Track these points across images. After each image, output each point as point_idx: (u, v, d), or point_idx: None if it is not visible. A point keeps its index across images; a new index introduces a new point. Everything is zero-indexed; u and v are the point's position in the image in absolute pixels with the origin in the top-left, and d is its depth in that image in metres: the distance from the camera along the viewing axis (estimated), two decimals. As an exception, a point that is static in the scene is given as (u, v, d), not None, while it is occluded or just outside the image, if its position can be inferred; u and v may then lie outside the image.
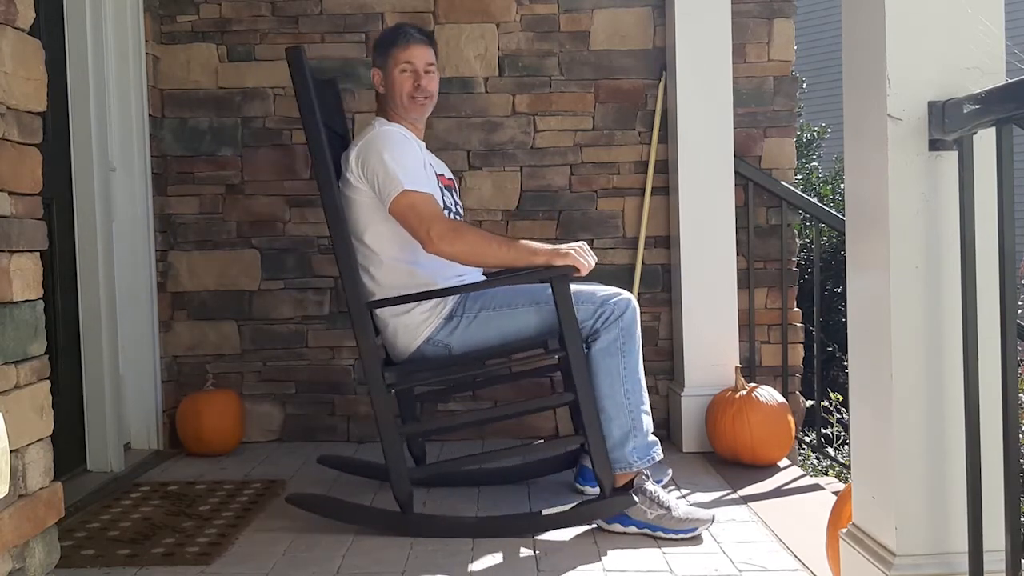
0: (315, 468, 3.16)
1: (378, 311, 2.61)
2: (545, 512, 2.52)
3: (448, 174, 2.89)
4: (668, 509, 2.45)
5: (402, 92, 2.69)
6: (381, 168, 2.54)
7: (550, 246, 2.51)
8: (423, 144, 2.79)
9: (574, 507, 2.53)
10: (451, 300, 2.61)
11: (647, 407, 2.56)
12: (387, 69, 2.71)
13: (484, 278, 2.71)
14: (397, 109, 2.72)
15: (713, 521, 2.49)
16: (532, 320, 2.58)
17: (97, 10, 3.16)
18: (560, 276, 2.44)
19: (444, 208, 2.65)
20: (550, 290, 2.46)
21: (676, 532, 2.44)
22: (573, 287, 2.49)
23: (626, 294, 2.58)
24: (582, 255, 2.48)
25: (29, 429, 1.84)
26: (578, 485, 2.85)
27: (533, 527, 2.52)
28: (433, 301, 2.60)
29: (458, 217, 2.79)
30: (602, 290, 2.58)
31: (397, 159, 2.55)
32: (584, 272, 2.47)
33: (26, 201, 1.88)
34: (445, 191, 2.75)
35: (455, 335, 2.60)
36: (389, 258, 2.61)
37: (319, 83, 2.71)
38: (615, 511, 2.48)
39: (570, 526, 2.52)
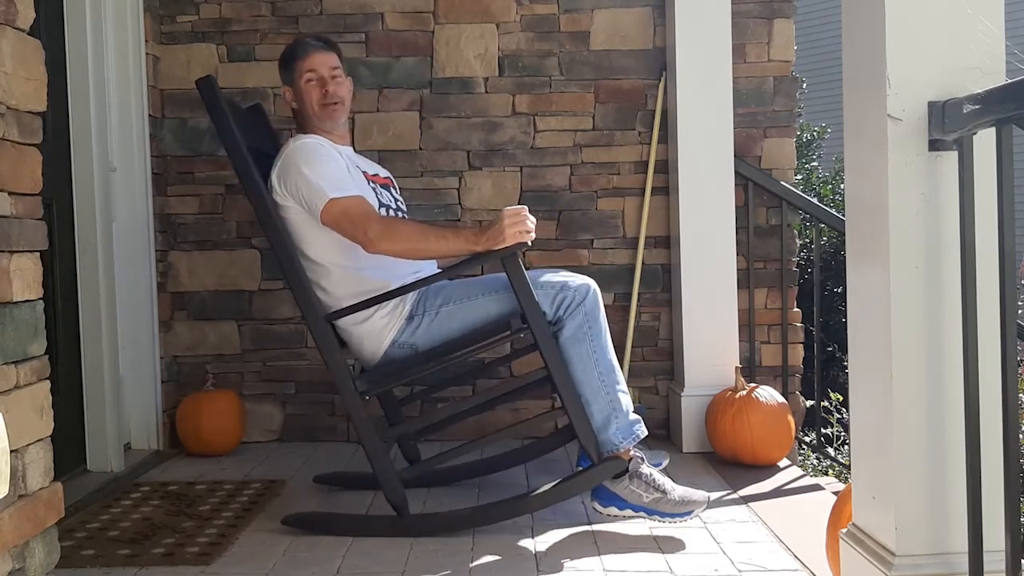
0: (315, 469, 3.16)
1: (339, 322, 2.60)
2: (535, 492, 2.54)
3: (384, 173, 2.90)
4: (664, 492, 2.46)
5: (311, 102, 2.69)
6: (303, 182, 2.53)
7: (489, 230, 2.44)
8: (348, 149, 2.79)
9: (561, 481, 2.54)
10: (410, 300, 2.60)
11: (623, 386, 2.56)
12: (294, 83, 2.72)
13: (438, 270, 2.69)
14: (311, 120, 2.71)
15: (708, 502, 2.50)
16: (493, 308, 2.57)
17: (97, 10, 3.16)
18: (509, 256, 2.43)
19: (381, 206, 2.66)
20: (505, 276, 2.46)
21: (672, 516, 2.46)
22: (533, 275, 2.49)
23: (585, 279, 2.58)
24: (517, 225, 2.41)
25: (29, 429, 1.84)
26: (579, 469, 2.85)
27: (525, 507, 2.54)
28: (392, 304, 2.58)
29: (400, 214, 2.78)
30: (560, 277, 2.57)
31: (316, 170, 2.54)
32: (528, 239, 2.44)
33: (26, 201, 1.88)
34: (381, 189, 2.75)
35: (419, 334, 2.59)
36: (336, 267, 2.60)
37: (239, 110, 2.76)
38: (604, 477, 2.48)
39: (562, 499, 2.53)
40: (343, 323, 2.61)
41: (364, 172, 2.75)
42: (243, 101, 3.64)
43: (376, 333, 2.60)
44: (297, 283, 2.56)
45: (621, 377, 2.57)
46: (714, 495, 2.86)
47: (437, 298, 2.60)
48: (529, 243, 2.47)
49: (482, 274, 3.06)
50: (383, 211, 2.68)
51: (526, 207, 2.49)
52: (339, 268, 2.60)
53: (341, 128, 2.78)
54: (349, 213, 2.51)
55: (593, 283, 2.58)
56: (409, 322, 2.60)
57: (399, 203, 2.83)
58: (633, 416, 2.55)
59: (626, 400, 2.55)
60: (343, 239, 2.54)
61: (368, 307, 2.55)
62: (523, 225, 2.44)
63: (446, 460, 2.68)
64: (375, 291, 2.56)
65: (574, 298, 2.51)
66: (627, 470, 2.48)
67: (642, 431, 2.55)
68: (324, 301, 2.60)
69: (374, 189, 2.71)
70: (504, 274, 2.47)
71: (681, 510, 2.45)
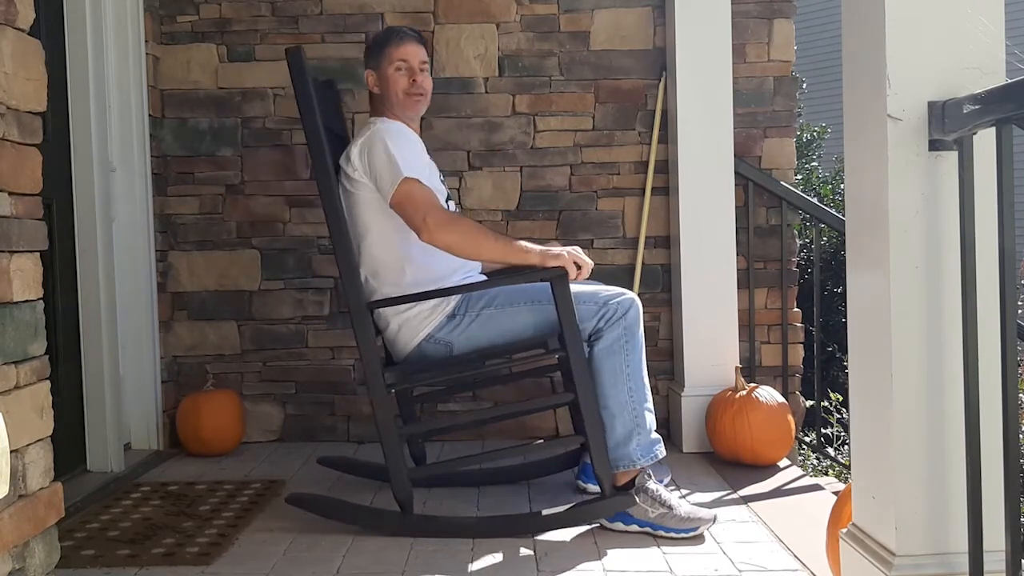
0: (315, 468, 3.16)
1: (379, 310, 2.61)
2: (545, 512, 2.52)
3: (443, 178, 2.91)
4: (670, 508, 2.46)
5: (398, 89, 2.70)
6: (385, 158, 2.54)
7: (543, 248, 2.50)
8: (423, 144, 2.80)
9: (573, 507, 2.54)
10: (454, 299, 2.61)
11: (650, 405, 2.56)
12: (381, 68, 2.72)
13: (485, 278, 2.71)
14: (393, 108, 2.72)
15: (715, 521, 2.49)
16: (534, 319, 2.58)
17: (97, 10, 3.16)
18: (558, 277, 2.44)
19: (447, 199, 2.69)
20: (551, 289, 2.46)
21: (677, 531, 2.45)
22: (575, 287, 2.49)
23: (629, 293, 2.59)
24: (575, 258, 2.47)
25: (29, 429, 1.84)
26: (580, 482, 2.85)
27: (533, 527, 2.52)
28: (435, 299, 2.60)
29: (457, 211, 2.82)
30: (605, 290, 2.58)
31: (400, 150, 2.56)
32: (577, 277, 2.47)
33: (26, 201, 1.88)
34: (443, 188, 2.77)
35: (456, 333, 2.60)
36: (391, 258, 2.61)
37: (319, 84, 2.71)
38: (615, 511, 2.48)
39: (570, 526, 2.52)
40: (383, 310, 2.61)
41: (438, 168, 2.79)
42: (243, 102, 3.66)
43: (414, 325, 2.61)
44: (347, 265, 2.54)
45: (650, 396, 2.57)
46: (714, 495, 2.86)
47: (480, 300, 2.61)
48: (577, 279, 2.47)
49: None
50: (449, 204, 2.71)
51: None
52: (393, 259, 2.61)
53: (417, 121, 2.81)
54: (414, 197, 2.51)
55: (637, 298, 2.59)
56: (450, 319, 2.60)
57: (451, 202, 2.85)
58: (655, 436, 2.55)
59: (651, 419, 2.55)
60: (404, 231, 2.55)
61: (412, 301, 2.56)
62: (580, 260, 2.48)
63: (457, 466, 2.69)
64: (423, 285, 2.58)
65: (616, 310, 2.52)
66: (634, 485, 2.48)
67: (661, 452, 2.56)
68: (370, 286, 2.62)
69: (442, 180, 2.75)
70: (547, 284, 2.47)
71: (686, 526, 2.45)
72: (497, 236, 2.60)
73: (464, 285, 2.60)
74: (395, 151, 2.54)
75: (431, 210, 2.50)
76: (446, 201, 2.69)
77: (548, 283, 2.47)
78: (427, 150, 2.79)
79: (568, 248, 2.51)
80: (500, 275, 2.67)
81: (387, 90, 2.71)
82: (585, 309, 2.51)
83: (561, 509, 2.52)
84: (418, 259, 2.60)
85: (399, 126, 2.67)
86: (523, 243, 2.53)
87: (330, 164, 2.55)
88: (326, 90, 2.91)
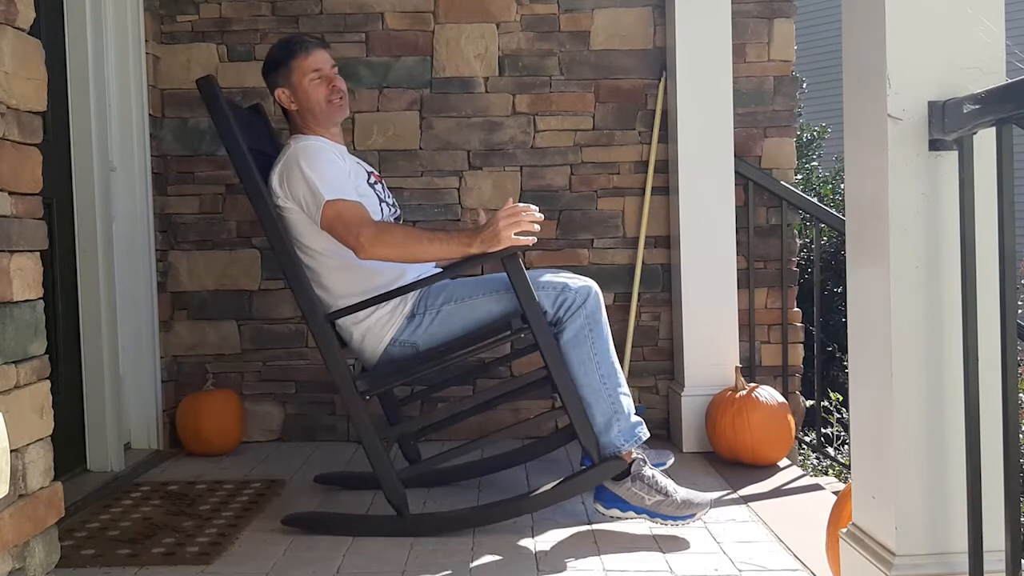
0: (315, 468, 3.17)
1: (339, 321, 2.60)
2: (535, 492, 2.54)
3: (374, 171, 2.88)
4: (666, 495, 2.46)
5: (319, 99, 2.67)
6: (303, 184, 2.53)
7: (483, 231, 2.45)
8: (344, 149, 2.78)
9: (561, 481, 2.54)
10: (411, 298, 2.60)
11: (624, 388, 2.56)
12: (293, 83, 2.68)
13: (439, 270, 2.68)
14: (316, 119, 2.70)
15: (711, 505, 2.49)
16: (494, 307, 2.57)
17: (97, 10, 3.16)
18: (509, 256, 2.43)
19: (381, 202, 2.67)
20: (506, 276, 2.46)
21: (674, 518, 2.45)
22: (533, 278, 2.48)
23: (587, 281, 2.58)
24: (513, 227, 2.40)
25: (29, 429, 1.84)
26: (581, 468, 2.85)
27: (525, 507, 2.54)
28: (393, 302, 2.59)
29: (394, 207, 2.79)
30: (562, 278, 2.57)
31: (317, 171, 2.53)
32: (527, 240, 2.43)
33: (26, 201, 1.88)
34: (380, 187, 2.76)
35: (419, 333, 2.59)
36: (337, 267, 2.60)
37: (240, 110, 2.74)
38: (605, 477, 2.48)
39: (564, 499, 2.53)
40: (343, 322, 2.61)
41: (364, 169, 2.75)
42: (243, 101, 3.65)
43: (376, 331, 2.60)
44: (297, 282, 2.56)
45: (623, 379, 2.57)
46: (714, 495, 2.85)
47: (438, 297, 2.60)
48: (529, 244, 2.47)
49: (482, 274, 3.05)
50: (384, 207, 2.69)
51: (531, 206, 2.48)
52: (339, 268, 2.59)
53: (339, 127, 2.79)
54: (343, 217, 2.50)
55: (595, 285, 2.58)
56: (410, 321, 2.60)
57: (392, 198, 2.84)
58: (635, 418, 2.55)
59: (628, 402, 2.55)
60: None
61: (368, 306, 2.55)
62: (520, 226, 2.43)
63: (447, 460, 2.68)
64: (376, 290, 2.56)
65: (575, 300, 2.51)
66: (629, 472, 2.48)
67: (644, 433, 2.55)
68: (324, 300, 2.60)
69: (372, 186, 2.72)
70: (506, 273, 2.47)
71: (683, 512, 2.45)
72: (433, 236, 2.53)
73: (417, 281, 2.58)
74: (311, 174, 2.52)
75: (361, 227, 2.48)
76: (379, 204, 2.66)
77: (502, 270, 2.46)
78: (349, 151, 2.79)
79: (502, 220, 2.42)
80: (454, 266, 2.61)
81: (307, 103, 2.68)
82: (544, 295, 2.50)
83: (550, 486, 2.52)
84: (367, 266, 2.57)
85: (314, 144, 2.62)
86: (461, 234, 2.50)
87: (263, 187, 2.56)
88: (252, 115, 2.93)
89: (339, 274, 2.60)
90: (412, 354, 2.61)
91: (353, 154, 2.89)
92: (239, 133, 2.55)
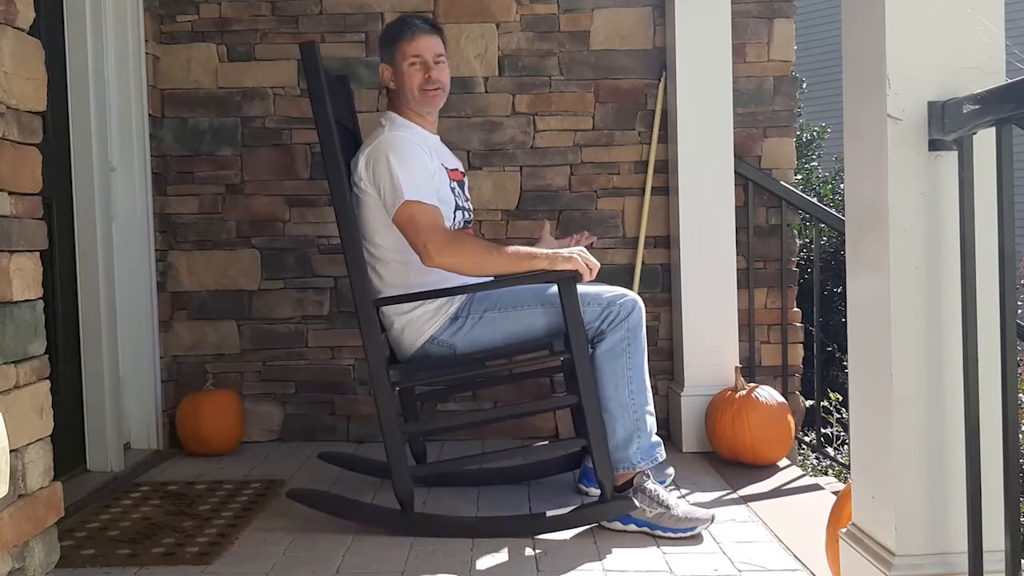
0: (315, 468, 3.16)
1: (384, 309, 2.60)
2: (548, 514, 2.53)
3: (461, 168, 2.87)
4: (668, 508, 2.46)
5: (412, 86, 2.67)
6: (387, 176, 2.52)
7: (549, 251, 2.49)
8: (437, 139, 2.77)
9: (575, 510, 2.55)
10: (457, 300, 2.61)
11: (651, 408, 2.56)
12: (395, 64, 2.68)
13: (491, 279, 2.69)
14: (409, 103, 2.69)
15: (712, 521, 2.49)
16: (538, 322, 2.57)
17: (97, 10, 3.15)
18: (567, 279, 2.43)
19: (457, 208, 2.66)
20: (556, 291, 2.45)
21: (675, 531, 2.45)
22: (579, 288, 2.48)
23: (632, 294, 2.58)
24: (586, 260, 2.46)
25: (29, 429, 1.84)
26: (581, 486, 2.85)
27: (535, 528, 2.52)
28: (440, 300, 2.59)
29: (468, 212, 2.79)
30: (608, 291, 2.57)
31: (405, 166, 2.53)
32: (587, 278, 2.45)
33: (26, 201, 1.88)
34: (459, 189, 2.74)
35: (459, 335, 2.59)
36: (397, 258, 2.60)
37: (332, 79, 2.69)
38: (615, 514, 2.48)
39: (571, 527, 2.52)
40: (388, 310, 2.61)
41: (447, 169, 2.73)
42: (243, 101, 3.66)
43: (419, 326, 2.60)
44: (355, 263, 2.53)
45: (651, 399, 2.57)
46: (714, 495, 2.86)
47: (483, 303, 2.60)
48: (586, 277, 2.45)
49: None
50: (458, 213, 2.67)
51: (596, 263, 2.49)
52: (400, 259, 2.59)
53: (434, 114, 2.77)
54: (416, 220, 2.49)
55: (639, 300, 2.58)
56: (453, 321, 2.60)
57: (468, 201, 2.83)
58: (656, 439, 2.56)
59: (652, 422, 2.55)
60: None
61: (416, 300, 2.56)
62: (589, 261, 2.46)
63: (459, 466, 2.69)
64: (427, 286, 2.56)
65: (619, 313, 2.51)
66: (632, 485, 2.48)
67: (662, 455, 2.56)
68: (376, 286, 2.61)
69: (453, 189, 2.70)
70: (553, 286, 2.46)
71: (684, 526, 2.45)
72: (501, 250, 2.52)
73: (468, 285, 2.58)
74: (398, 169, 2.52)
75: (431, 235, 2.47)
76: (454, 211, 2.65)
77: (551, 284, 2.46)
78: (442, 143, 2.77)
79: (576, 249, 2.50)
80: (507, 276, 2.62)
81: (402, 86, 2.68)
82: (589, 311, 2.50)
83: (564, 511, 2.53)
84: (422, 265, 2.57)
85: (405, 138, 2.61)
86: (529, 250, 2.50)
87: (341, 161, 2.53)
88: (339, 85, 2.89)
89: (395, 265, 2.61)
90: (449, 354, 2.61)
91: (444, 143, 2.86)
92: (330, 107, 2.52)
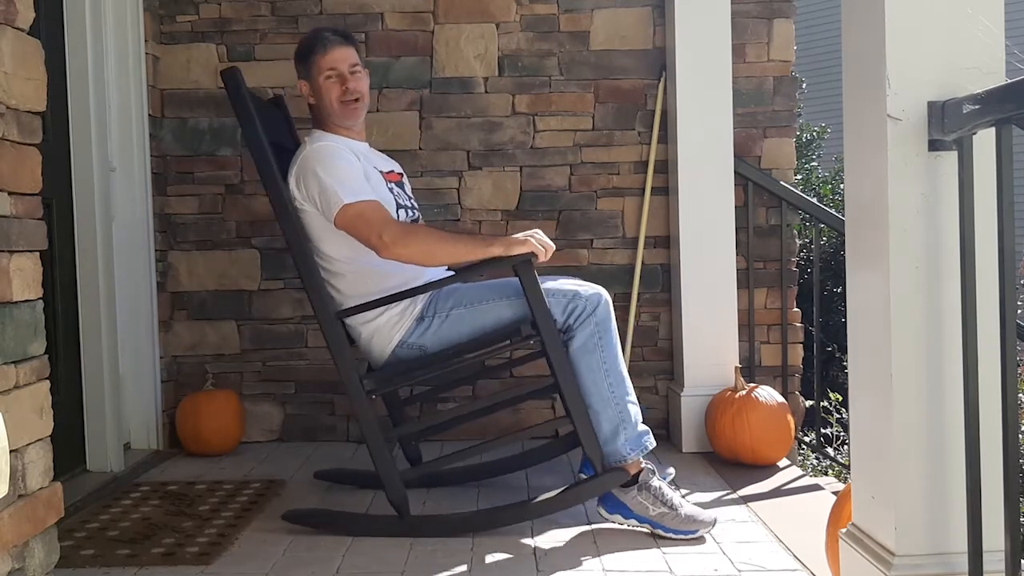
0: (315, 467, 3.16)
1: (349, 320, 2.59)
2: (541, 497, 2.54)
3: (397, 168, 2.87)
4: (672, 508, 2.45)
5: (332, 98, 2.66)
6: (317, 186, 2.52)
7: (504, 236, 2.51)
8: (365, 145, 2.77)
9: (565, 489, 2.54)
10: (421, 301, 2.60)
11: (633, 397, 2.55)
12: (312, 78, 2.68)
13: (451, 273, 2.68)
14: (331, 117, 2.69)
15: (715, 524, 2.48)
16: (504, 313, 2.57)
17: (97, 10, 3.15)
18: (524, 262, 2.44)
19: (399, 208, 2.66)
20: (518, 281, 2.45)
21: (677, 532, 2.44)
22: (543, 284, 2.48)
23: (597, 288, 2.57)
24: (541, 241, 2.47)
25: (29, 429, 1.84)
26: (582, 475, 2.84)
27: (527, 514, 2.54)
28: (403, 304, 2.58)
29: (413, 210, 2.78)
30: (573, 284, 2.57)
31: (332, 174, 2.52)
32: (543, 258, 2.47)
33: (26, 201, 1.88)
34: (397, 189, 2.74)
35: (428, 335, 2.59)
36: (351, 267, 2.59)
37: (261, 102, 2.72)
38: (606, 488, 2.48)
39: (564, 508, 2.53)
40: (353, 321, 2.60)
41: (380, 172, 2.73)
42: (243, 101, 3.66)
43: (385, 332, 2.60)
44: (311, 280, 2.55)
45: (631, 388, 2.56)
46: (714, 495, 2.87)
47: (448, 300, 2.59)
48: (541, 258, 2.47)
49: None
50: (401, 212, 2.67)
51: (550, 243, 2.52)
52: (353, 268, 2.59)
53: (359, 124, 2.76)
54: (364, 216, 2.49)
55: (605, 293, 2.58)
56: (419, 323, 2.59)
57: (412, 200, 2.83)
58: (642, 427, 2.54)
59: (635, 411, 2.54)
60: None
61: (379, 306, 2.55)
62: (543, 241, 2.48)
63: (449, 463, 2.68)
64: (387, 291, 2.55)
65: (585, 307, 2.51)
66: (637, 481, 2.48)
67: (651, 443, 2.55)
68: (336, 299, 2.60)
69: (391, 189, 2.70)
70: (515, 279, 2.47)
71: (686, 527, 2.44)
72: (456, 237, 2.57)
73: (427, 284, 2.57)
74: (326, 177, 2.51)
75: (385, 228, 2.47)
76: (396, 210, 2.64)
77: (515, 275, 2.46)
78: (372, 149, 2.77)
79: (529, 232, 2.51)
80: (467, 269, 2.62)
81: (321, 100, 2.68)
82: (555, 302, 2.49)
83: (553, 493, 2.52)
84: (380, 268, 2.57)
85: (328, 145, 2.60)
86: (483, 237, 2.53)
87: (281, 182, 2.55)
88: (273, 107, 2.91)
89: (350, 274, 2.60)
90: (420, 356, 2.60)
91: (375, 148, 2.87)
92: (261, 129, 2.53)
